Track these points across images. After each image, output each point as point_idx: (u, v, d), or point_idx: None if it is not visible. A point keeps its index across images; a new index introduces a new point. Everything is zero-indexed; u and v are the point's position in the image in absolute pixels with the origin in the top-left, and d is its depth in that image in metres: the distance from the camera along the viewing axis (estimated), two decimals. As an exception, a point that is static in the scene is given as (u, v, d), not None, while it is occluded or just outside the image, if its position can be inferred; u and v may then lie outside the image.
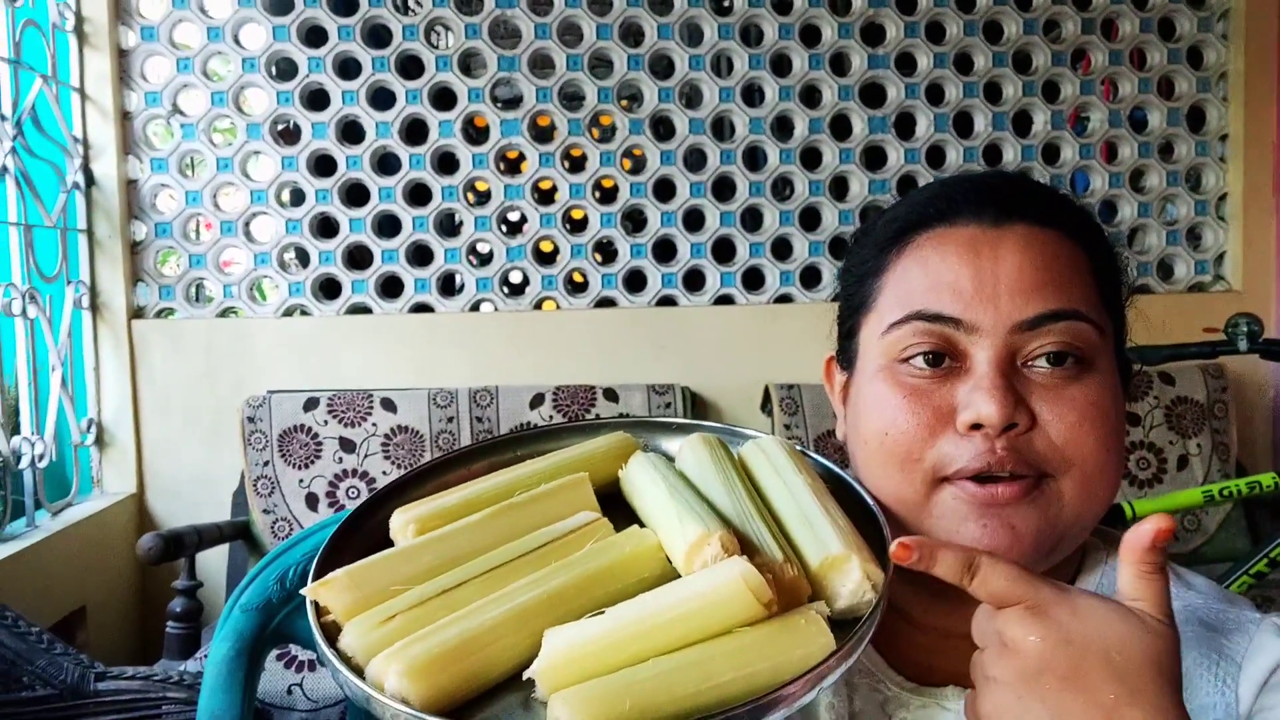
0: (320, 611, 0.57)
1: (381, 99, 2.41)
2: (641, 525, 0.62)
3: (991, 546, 0.62)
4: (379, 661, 0.51)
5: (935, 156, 2.55)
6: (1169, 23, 2.60)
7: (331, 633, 0.55)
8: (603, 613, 0.52)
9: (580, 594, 0.55)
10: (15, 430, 2.01)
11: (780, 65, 2.50)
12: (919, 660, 0.70)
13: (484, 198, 2.47)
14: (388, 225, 2.43)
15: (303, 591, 0.58)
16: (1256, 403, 2.60)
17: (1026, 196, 0.69)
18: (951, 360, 0.65)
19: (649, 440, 0.74)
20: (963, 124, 2.56)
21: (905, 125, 2.54)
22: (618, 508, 0.66)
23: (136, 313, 2.34)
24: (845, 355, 0.74)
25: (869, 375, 0.68)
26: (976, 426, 0.62)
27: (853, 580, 0.56)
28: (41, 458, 2.02)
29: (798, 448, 0.69)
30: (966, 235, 0.67)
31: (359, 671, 0.52)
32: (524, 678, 0.50)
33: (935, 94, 2.54)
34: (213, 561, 2.24)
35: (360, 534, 0.66)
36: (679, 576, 0.57)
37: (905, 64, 2.53)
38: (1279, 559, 1.88)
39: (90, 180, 2.28)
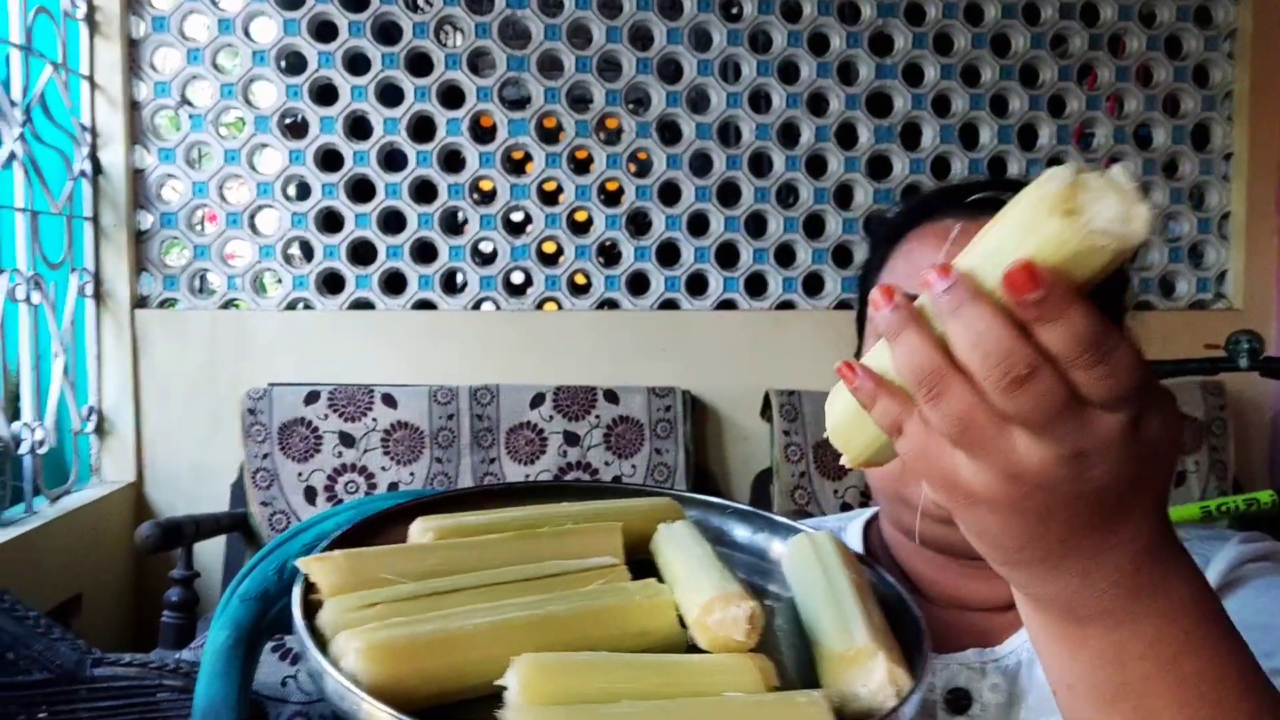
0: (310, 589, 0.55)
1: (390, 95, 2.41)
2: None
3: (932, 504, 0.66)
4: (342, 638, 0.49)
5: (940, 167, 2.56)
6: (1176, 41, 2.61)
7: (313, 611, 0.54)
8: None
9: (572, 626, 0.52)
10: (16, 416, 2.01)
11: (788, 73, 2.51)
12: (935, 632, 0.72)
13: (489, 197, 2.47)
14: (393, 221, 2.44)
15: (295, 562, 0.56)
16: (1254, 421, 2.60)
17: (1005, 191, 0.71)
18: None
19: (703, 519, 0.71)
20: (968, 135, 2.56)
21: (911, 135, 2.55)
22: (648, 576, 0.62)
23: (140, 302, 2.35)
24: (859, 353, 0.77)
25: None
26: None
27: (875, 680, 0.51)
28: (41, 444, 2.02)
29: (855, 552, 0.66)
30: (944, 228, 0.72)
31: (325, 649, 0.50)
32: (494, 684, 0.47)
33: (942, 105, 2.54)
34: (209, 553, 2.24)
35: (377, 539, 0.64)
36: (685, 640, 0.54)
37: (912, 74, 2.54)
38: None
39: (97, 169, 2.29)
